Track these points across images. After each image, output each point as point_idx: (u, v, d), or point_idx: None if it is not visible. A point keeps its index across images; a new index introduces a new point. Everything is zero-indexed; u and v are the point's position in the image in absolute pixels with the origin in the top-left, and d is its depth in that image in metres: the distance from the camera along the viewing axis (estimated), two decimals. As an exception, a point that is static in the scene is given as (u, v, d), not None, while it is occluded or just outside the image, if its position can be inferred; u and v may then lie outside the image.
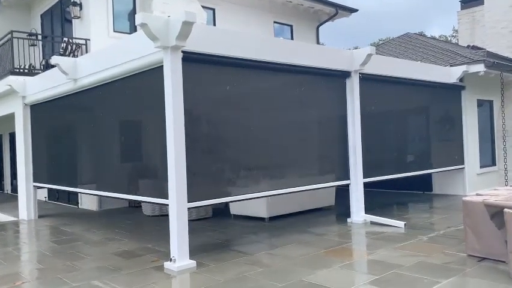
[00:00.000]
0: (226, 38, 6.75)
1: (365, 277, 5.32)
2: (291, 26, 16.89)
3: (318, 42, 17.97)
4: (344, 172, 8.55)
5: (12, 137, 14.57)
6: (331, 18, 17.92)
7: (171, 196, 5.97)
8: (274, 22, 16.31)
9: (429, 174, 12.26)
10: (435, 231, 7.61)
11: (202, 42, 6.30)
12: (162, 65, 6.04)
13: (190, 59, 6.15)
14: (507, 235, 5.01)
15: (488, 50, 13.52)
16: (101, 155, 8.24)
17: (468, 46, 14.69)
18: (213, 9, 14.43)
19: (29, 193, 10.73)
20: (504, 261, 5.30)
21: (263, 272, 5.57)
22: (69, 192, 12.99)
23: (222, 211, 10.41)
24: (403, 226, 7.90)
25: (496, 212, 5.31)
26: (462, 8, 19.60)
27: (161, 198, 6.32)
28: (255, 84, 7.22)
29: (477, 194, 6.13)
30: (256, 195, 7.02)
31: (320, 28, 18.19)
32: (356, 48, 8.97)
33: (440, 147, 11.24)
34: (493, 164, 12.79)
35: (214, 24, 14.34)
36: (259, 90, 7.29)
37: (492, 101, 12.83)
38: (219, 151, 6.63)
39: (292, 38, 16.58)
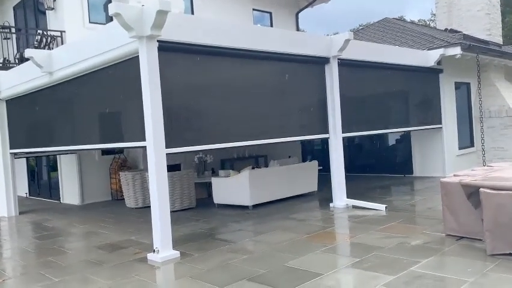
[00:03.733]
0: (202, 26, 6.69)
1: (346, 260, 5.41)
2: (270, 13, 16.78)
3: (298, 29, 17.92)
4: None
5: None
6: (310, 4, 17.84)
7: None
8: (254, 9, 16.17)
9: (410, 158, 12.47)
10: (415, 213, 7.75)
11: (178, 31, 6.23)
12: (138, 55, 5.96)
13: (166, 48, 6.09)
14: (483, 214, 5.13)
15: (464, 33, 13.67)
16: (80, 135, 8.14)
17: (446, 30, 14.81)
18: (191, -2, 14.25)
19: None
20: (481, 240, 5.44)
21: (247, 259, 5.62)
22: (50, 187, 12.85)
23: (206, 201, 10.42)
24: (384, 209, 8.03)
25: (472, 192, 5.42)
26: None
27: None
28: (232, 72, 7.19)
29: (454, 175, 6.24)
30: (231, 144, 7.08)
31: (300, 14, 18.13)
32: (335, 34, 8.95)
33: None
34: (472, 145, 13.04)
35: (192, 13, 14.16)
36: (238, 78, 7.27)
37: (469, 83, 13.04)
38: (196, 137, 6.60)
39: (271, 25, 16.49)
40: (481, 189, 5.15)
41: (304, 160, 13.48)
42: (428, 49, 11.55)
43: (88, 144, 7.85)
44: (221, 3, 14.88)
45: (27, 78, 9.13)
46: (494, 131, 12.92)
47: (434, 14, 26.30)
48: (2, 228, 9.25)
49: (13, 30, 13.37)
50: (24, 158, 13.92)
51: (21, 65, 9.96)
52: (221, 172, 10.25)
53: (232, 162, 13.40)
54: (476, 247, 5.39)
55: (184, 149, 6.43)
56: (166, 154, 6.04)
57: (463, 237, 5.77)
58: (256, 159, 14.40)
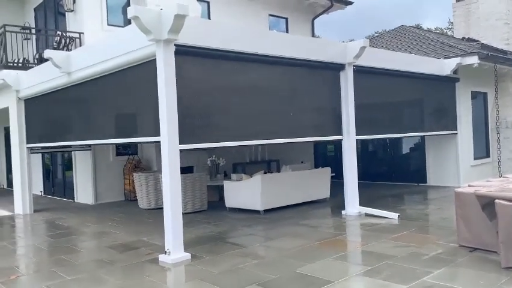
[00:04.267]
0: (219, 31, 6.74)
1: (358, 268, 5.37)
2: (286, 18, 16.82)
3: (313, 35, 17.92)
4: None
5: (7, 132, 14.53)
6: (326, 10, 17.84)
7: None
8: (270, 15, 16.24)
9: (424, 166, 12.35)
10: (428, 222, 7.67)
11: (195, 35, 6.29)
12: (155, 58, 6.03)
13: (183, 52, 6.14)
14: (498, 226, 5.06)
15: (482, 42, 13.53)
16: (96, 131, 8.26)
17: (463, 38, 14.67)
18: (208, 2, 14.35)
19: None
20: (495, 252, 5.36)
21: (257, 263, 5.62)
22: (65, 186, 13.02)
23: (217, 204, 10.44)
24: (397, 218, 7.96)
25: (487, 203, 5.35)
26: (457, 0, 19.57)
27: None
28: (248, 76, 7.23)
29: (469, 185, 6.17)
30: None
31: (316, 21, 18.13)
32: (351, 41, 8.94)
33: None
34: (487, 155, 12.86)
35: (209, 17, 14.27)
36: (253, 83, 7.31)
37: (486, 93, 12.88)
38: (209, 135, 6.65)
39: (287, 31, 16.53)
40: (497, 200, 5.08)
41: (316, 166, 13.43)
42: (445, 58, 11.45)
43: (103, 138, 7.94)
44: (237, 8, 14.97)
45: (45, 79, 9.29)
46: (511, 142, 12.73)
47: (452, 23, 26.09)
48: (17, 226, 9.40)
49: (33, 31, 13.63)
50: (40, 158, 14.15)
51: (40, 66, 10.14)
52: (233, 176, 10.28)
53: (244, 166, 13.42)
54: (490, 259, 5.31)
55: (197, 145, 6.48)
56: (180, 154, 6.08)
57: (476, 249, 5.69)
58: (269, 163, 14.40)
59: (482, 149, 12.69)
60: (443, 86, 11.43)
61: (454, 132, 11.67)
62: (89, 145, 11.56)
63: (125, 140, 7.54)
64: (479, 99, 12.73)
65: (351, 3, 18.26)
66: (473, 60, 11.11)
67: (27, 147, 10.77)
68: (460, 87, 11.75)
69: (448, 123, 11.52)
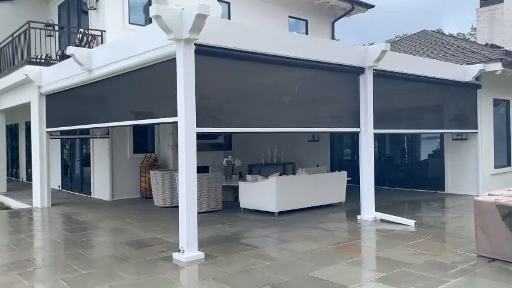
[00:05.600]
0: (239, 32, 6.75)
1: (372, 274, 5.31)
2: (306, 20, 16.78)
3: (333, 38, 17.83)
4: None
5: (28, 126, 14.82)
6: (347, 13, 17.75)
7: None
8: (290, 17, 16.22)
9: (442, 174, 12.15)
10: (445, 231, 7.54)
11: (215, 35, 6.30)
12: (175, 58, 6.06)
13: (203, 52, 6.16)
14: (518, 236, 4.94)
15: (506, 48, 13.27)
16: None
17: (486, 44, 14.42)
18: (228, 3, 14.41)
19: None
20: (515, 263, 5.24)
21: (270, 265, 5.59)
22: (82, 182, 13.20)
23: (232, 204, 10.45)
24: (413, 224, 7.84)
25: (508, 213, 5.24)
26: (481, 5, 19.26)
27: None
28: (267, 78, 7.21)
29: (489, 194, 6.04)
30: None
31: (336, 24, 18.05)
32: (371, 44, 8.86)
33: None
34: (508, 164, 12.60)
35: (229, 18, 14.32)
36: (272, 84, 7.29)
37: (509, 100, 12.62)
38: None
39: (307, 33, 16.48)
40: (518, 210, 4.97)
41: (332, 171, 13.34)
42: (467, 64, 11.26)
43: (120, 121, 7.96)
44: (257, 9, 14.99)
45: (67, 75, 9.44)
46: (533, 151, 12.44)
47: (475, 28, 25.67)
48: (35, 219, 9.56)
49: (56, 28, 13.87)
50: (59, 154, 14.38)
51: (62, 62, 10.31)
52: (248, 177, 10.27)
53: (259, 167, 13.43)
54: (509, 270, 5.19)
55: (214, 129, 6.54)
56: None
57: (495, 259, 5.56)
58: (284, 166, 14.38)
59: (503, 158, 12.43)
60: (465, 93, 11.24)
61: (475, 131, 11.45)
62: (107, 133, 11.75)
63: (142, 121, 7.46)
64: (501, 107, 12.47)
65: (372, 6, 18.12)
66: (497, 67, 10.89)
67: (46, 131, 10.93)
68: (481, 94, 11.54)
69: (468, 127, 11.32)
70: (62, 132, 11.21)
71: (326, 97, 8.15)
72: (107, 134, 11.81)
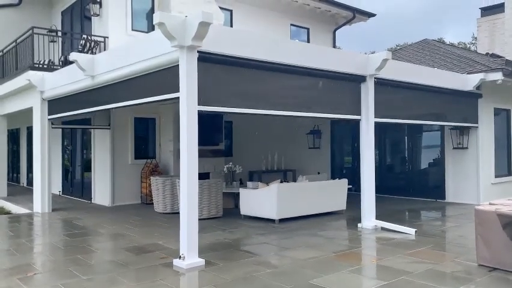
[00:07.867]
0: (241, 39, 6.79)
1: (373, 282, 5.30)
2: (307, 29, 16.89)
3: (334, 46, 17.92)
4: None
5: (30, 131, 14.85)
6: (348, 22, 17.87)
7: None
8: (291, 25, 16.33)
9: (443, 182, 12.14)
10: (446, 239, 7.54)
11: (218, 43, 6.34)
12: (178, 65, 6.10)
13: (206, 59, 6.20)
14: (519, 246, 4.94)
15: (507, 58, 13.32)
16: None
17: (487, 54, 14.49)
18: (231, 11, 14.52)
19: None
20: (515, 272, 5.24)
21: (271, 273, 5.59)
22: (83, 187, 13.20)
23: (232, 211, 10.45)
24: (414, 233, 7.83)
25: (509, 222, 5.24)
26: (482, 15, 19.37)
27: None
28: (268, 85, 7.24)
29: (490, 203, 6.05)
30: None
31: (337, 32, 18.16)
32: (372, 53, 8.91)
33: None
34: (509, 174, 12.59)
35: (231, 26, 14.41)
36: (273, 92, 7.32)
37: (509, 110, 12.65)
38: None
39: (308, 41, 16.57)
40: (518, 220, 4.97)
41: (333, 178, 13.34)
42: (468, 73, 11.30)
43: (119, 102, 7.91)
44: (259, 17, 15.09)
45: (70, 81, 9.48)
46: (534, 160, 12.44)
47: (475, 38, 25.78)
48: (35, 224, 9.56)
49: (59, 33, 13.95)
50: (60, 158, 14.40)
51: (64, 68, 10.35)
52: (249, 184, 10.28)
53: (260, 174, 13.43)
54: (509, 280, 5.18)
55: (216, 109, 6.52)
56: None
57: (496, 269, 5.56)
58: (285, 173, 14.39)
59: (503, 167, 12.43)
60: (466, 102, 11.27)
61: (475, 125, 11.47)
62: (109, 123, 11.77)
63: (142, 100, 7.31)
64: (502, 116, 12.50)
65: (373, 15, 18.24)
66: (498, 76, 10.93)
67: (48, 119, 10.97)
68: (482, 103, 11.57)
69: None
70: (64, 123, 11.17)
71: (327, 105, 8.18)
72: (109, 125, 11.82)
